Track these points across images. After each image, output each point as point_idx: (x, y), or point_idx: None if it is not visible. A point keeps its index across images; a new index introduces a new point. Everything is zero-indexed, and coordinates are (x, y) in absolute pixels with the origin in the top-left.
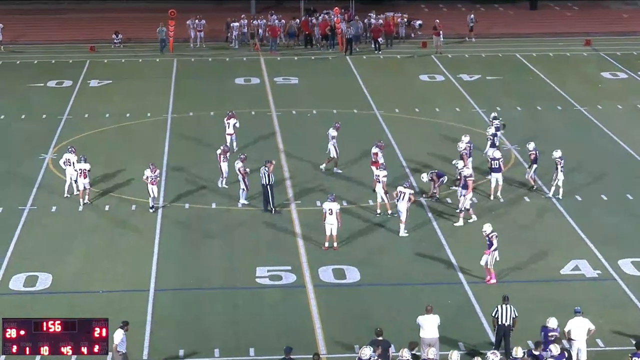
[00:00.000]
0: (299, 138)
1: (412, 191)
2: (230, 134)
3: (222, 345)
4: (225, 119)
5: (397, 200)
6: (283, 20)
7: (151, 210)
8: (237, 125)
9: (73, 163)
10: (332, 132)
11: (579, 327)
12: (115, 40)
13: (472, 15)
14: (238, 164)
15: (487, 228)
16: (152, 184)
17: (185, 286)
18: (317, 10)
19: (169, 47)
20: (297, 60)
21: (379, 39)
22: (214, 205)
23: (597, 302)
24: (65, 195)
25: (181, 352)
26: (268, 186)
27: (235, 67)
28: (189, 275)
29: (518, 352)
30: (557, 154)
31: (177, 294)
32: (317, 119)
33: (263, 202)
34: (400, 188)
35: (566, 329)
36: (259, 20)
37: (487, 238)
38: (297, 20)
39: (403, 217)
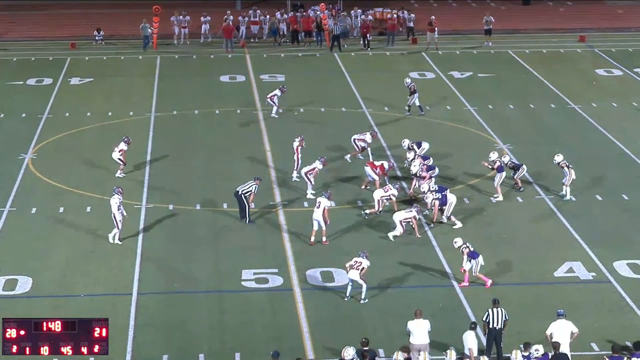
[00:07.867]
0: (286, 137)
1: (417, 216)
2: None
3: (207, 350)
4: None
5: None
6: (268, 16)
7: None
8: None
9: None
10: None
11: (562, 330)
12: (96, 37)
13: (491, 17)
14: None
15: (457, 242)
16: None
17: (169, 289)
18: (304, 6)
19: (152, 44)
20: (283, 57)
21: (368, 36)
22: (198, 207)
23: (591, 305)
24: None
25: (165, 357)
26: (243, 196)
27: (220, 64)
28: (173, 278)
29: (517, 356)
30: (559, 158)
31: (161, 298)
32: (304, 117)
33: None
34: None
35: (548, 332)
36: (241, 17)
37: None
38: (285, 16)
39: (398, 231)
